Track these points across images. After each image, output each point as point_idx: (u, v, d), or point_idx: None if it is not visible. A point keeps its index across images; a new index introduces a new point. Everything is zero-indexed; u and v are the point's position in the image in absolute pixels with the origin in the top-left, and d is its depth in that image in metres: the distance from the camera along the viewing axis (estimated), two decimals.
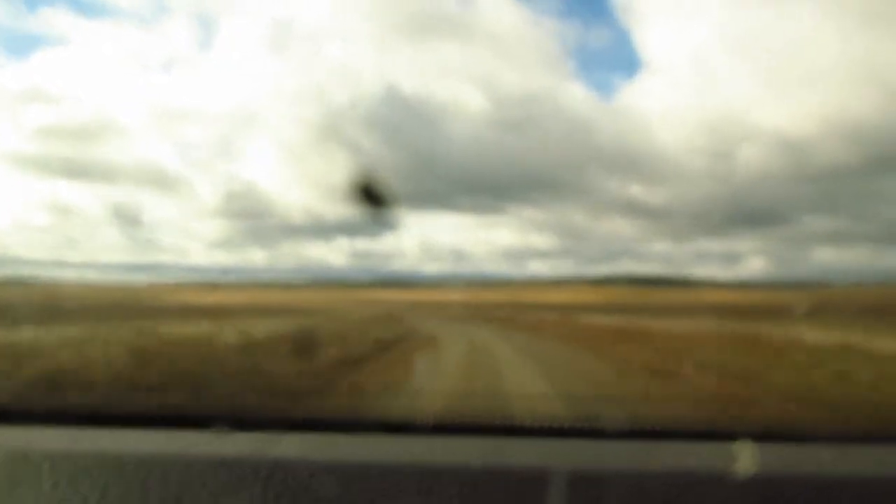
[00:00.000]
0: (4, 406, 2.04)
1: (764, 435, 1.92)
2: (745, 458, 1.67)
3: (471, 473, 1.57)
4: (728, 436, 1.87)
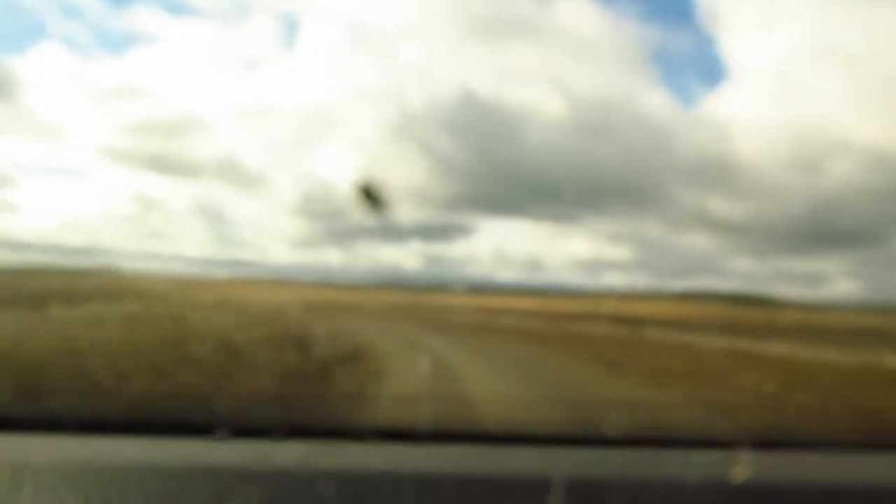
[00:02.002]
0: (13, 413, 1.99)
1: (762, 442, 1.93)
2: (744, 466, 1.67)
3: (470, 481, 1.57)
4: (727, 443, 1.89)
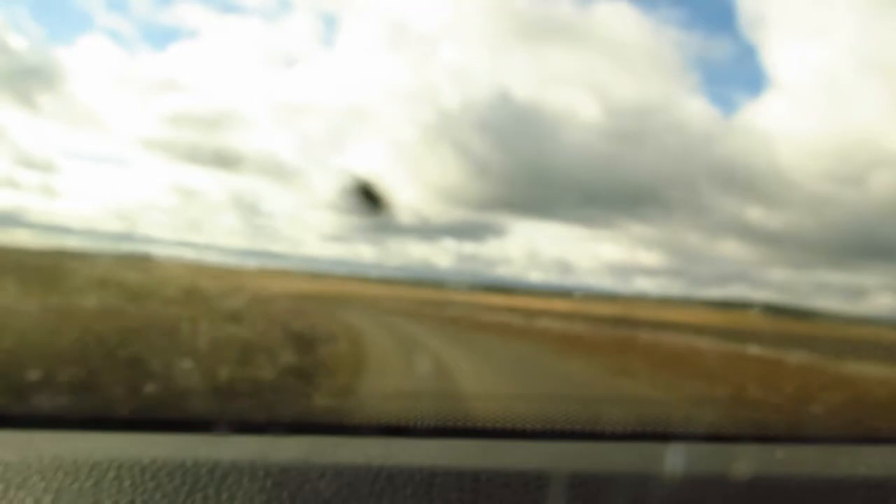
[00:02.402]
0: (6, 409, 1.98)
1: (765, 436, 1.95)
2: (747, 460, 1.65)
3: (471, 476, 1.55)
4: (730, 437, 1.93)
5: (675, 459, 1.71)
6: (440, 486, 1.53)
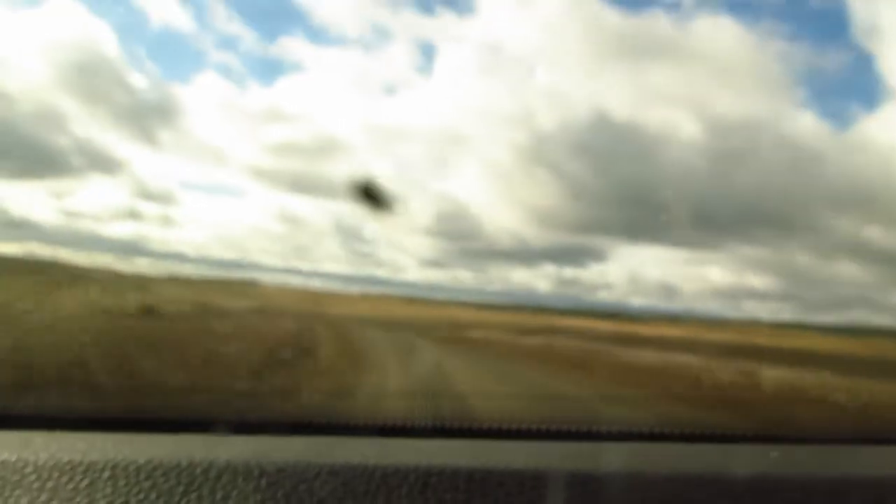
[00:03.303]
0: (7, 409, 1.98)
1: (762, 436, 1.98)
2: (744, 460, 1.69)
3: (469, 476, 1.56)
4: (726, 437, 1.99)
5: (671, 460, 1.73)
6: (435, 485, 1.54)
